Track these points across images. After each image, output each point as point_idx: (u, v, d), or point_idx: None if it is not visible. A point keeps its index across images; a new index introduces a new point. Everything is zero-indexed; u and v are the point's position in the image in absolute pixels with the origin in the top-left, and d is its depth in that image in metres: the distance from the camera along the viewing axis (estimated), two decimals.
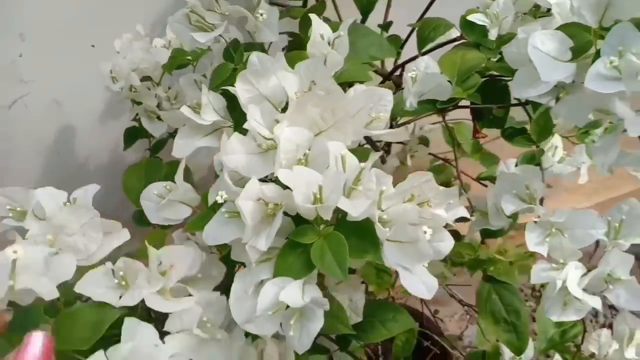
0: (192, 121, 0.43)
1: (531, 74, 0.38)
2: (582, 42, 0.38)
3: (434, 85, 0.47)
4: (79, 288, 0.36)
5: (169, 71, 0.58)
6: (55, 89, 0.71)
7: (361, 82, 0.55)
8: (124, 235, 0.38)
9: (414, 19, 0.66)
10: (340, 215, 0.36)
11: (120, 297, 0.36)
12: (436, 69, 0.48)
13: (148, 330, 0.34)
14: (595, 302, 0.40)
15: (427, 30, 0.60)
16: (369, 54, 0.58)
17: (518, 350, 0.53)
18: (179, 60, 0.56)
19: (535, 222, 0.43)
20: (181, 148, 0.45)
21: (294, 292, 0.33)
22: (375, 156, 0.36)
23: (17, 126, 0.85)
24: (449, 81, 0.48)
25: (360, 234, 0.36)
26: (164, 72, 0.62)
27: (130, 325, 0.34)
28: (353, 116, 0.37)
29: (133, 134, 0.69)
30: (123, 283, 0.37)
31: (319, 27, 0.47)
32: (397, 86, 0.67)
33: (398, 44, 0.66)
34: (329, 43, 0.47)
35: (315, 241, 0.35)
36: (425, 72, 0.48)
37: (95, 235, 0.37)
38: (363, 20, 0.66)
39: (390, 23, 0.71)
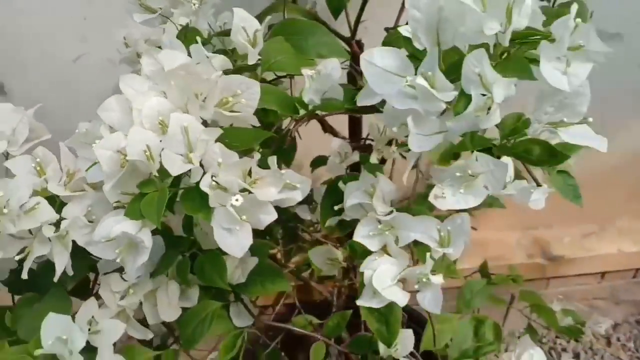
0: None
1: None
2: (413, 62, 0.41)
3: (330, 86, 0.53)
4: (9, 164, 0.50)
5: None
6: (112, 50, 0.81)
7: (291, 74, 0.62)
8: None
9: None
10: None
11: None
12: (337, 72, 0.54)
13: None
14: (396, 297, 0.44)
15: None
16: (317, 51, 0.64)
17: (386, 341, 0.57)
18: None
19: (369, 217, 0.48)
20: None
21: (123, 227, 0.43)
22: (215, 133, 0.43)
23: (80, 79, 1.02)
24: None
25: (193, 196, 0.44)
26: None
27: None
28: (204, 98, 0.44)
29: None
30: (38, 169, 0.50)
31: (241, 19, 0.55)
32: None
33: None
34: (248, 35, 0.55)
35: (150, 193, 0.44)
36: (325, 73, 0.53)
37: None
38: (335, 16, 0.72)
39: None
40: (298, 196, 0.47)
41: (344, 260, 0.61)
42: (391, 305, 0.57)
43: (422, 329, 0.82)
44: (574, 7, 0.35)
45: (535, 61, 0.39)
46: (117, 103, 0.46)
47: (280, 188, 0.45)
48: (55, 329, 0.50)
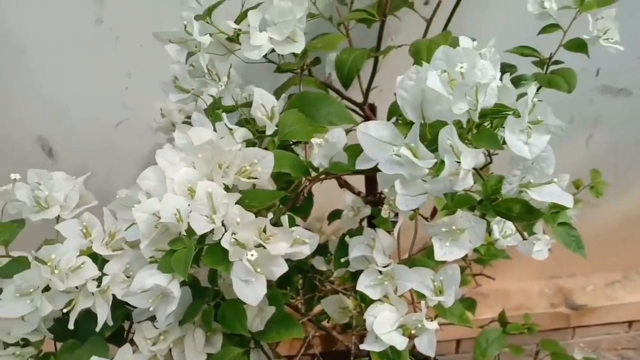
0: None
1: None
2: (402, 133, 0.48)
3: (336, 152, 0.60)
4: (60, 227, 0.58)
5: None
6: (150, 118, 0.89)
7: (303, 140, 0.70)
8: None
9: None
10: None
11: None
12: (342, 140, 0.61)
13: None
14: (395, 342, 0.49)
15: None
16: (328, 120, 0.72)
17: None
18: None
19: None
20: None
21: (156, 279, 0.50)
22: (234, 197, 0.51)
23: (120, 143, 1.13)
24: None
25: (216, 251, 0.52)
26: None
27: None
28: (226, 167, 0.52)
29: None
30: (84, 231, 0.58)
31: (260, 97, 0.64)
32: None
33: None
34: (266, 111, 0.63)
35: (179, 249, 0.51)
36: (332, 142, 0.61)
37: None
38: (345, 88, 0.80)
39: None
40: (307, 250, 0.53)
41: (354, 309, 0.66)
42: (399, 352, 0.62)
43: None
44: (532, 89, 0.42)
45: None
46: (153, 173, 0.54)
47: (290, 243, 0.52)
48: None
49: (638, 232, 1.35)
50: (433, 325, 0.50)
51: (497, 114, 0.45)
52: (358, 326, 1.02)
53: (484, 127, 0.44)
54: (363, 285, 0.53)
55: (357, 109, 0.87)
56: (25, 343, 0.67)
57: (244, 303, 0.62)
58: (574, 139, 1.21)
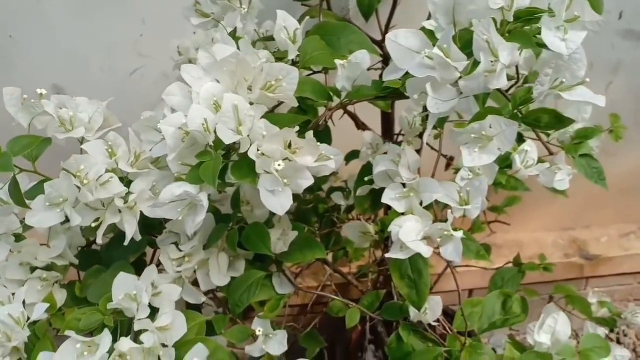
0: None
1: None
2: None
3: (360, 72, 0.59)
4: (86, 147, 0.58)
5: None
6: (165, 64, 0.87)
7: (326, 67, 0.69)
8: None
9: None
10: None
11: None
12: (365, 61, 0.60)
13: None
14: (421, 249, 0.50)
15: None
16: (349, 48, 0.71)
17: (416, 304, 0.62)
18: None
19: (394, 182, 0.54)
20: None
21: (185, 187, 0.50)
22: (260, 110, 0.51)
23: (135, 90, 1.13)
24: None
25: (242, 165, 0.52)
26: None
27: None
28: (250, 82, 0.52)
29: None
30: (110, 151, 0.58)
31: (283, 19, 0.63)
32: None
33: None
34: (289, 33, 0.63)
35: (207, 161, 0.51)
36: (355, 62, 0.60)
37: None
38: (366, 18, 0.79)
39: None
40: (332, 165, 0.53)
41: (375, 233, 0.67)
42: (420, 272, 0.63)
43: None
44: None
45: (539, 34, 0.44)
46: (179, 88, 0.54)
47: (316, 156, 0.52)
48: (125, 285, 0.57)
49: None
50: (458, 233, 0.50)
51: (531, 15, 0.44)
52: (374, 273, 1.04)
53: (519, 27, 0.43)
54: (388, 198, 0.53)
55: (375, 47, 0.86)
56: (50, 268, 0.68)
57: (267, 225, 0.63)
58: (593, 85, 1.19)
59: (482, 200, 0.51)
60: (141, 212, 0.74)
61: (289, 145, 0.52)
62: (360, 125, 0.92)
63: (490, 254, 1.19)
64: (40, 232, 0.68)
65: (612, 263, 1.35)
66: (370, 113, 0.86)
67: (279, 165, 0.49)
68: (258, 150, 0.51)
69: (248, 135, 0.51)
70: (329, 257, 1.05)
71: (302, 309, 1.27)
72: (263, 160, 0.50)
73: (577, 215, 1.40)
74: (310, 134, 0.53)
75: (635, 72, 1.19)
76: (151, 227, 0.72)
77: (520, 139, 0.74)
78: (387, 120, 0.95)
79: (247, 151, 0.51)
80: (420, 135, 0.85)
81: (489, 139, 0.47)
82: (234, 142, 0.53)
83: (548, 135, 0.74)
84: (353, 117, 0.90)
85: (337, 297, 0.73)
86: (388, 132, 0.96)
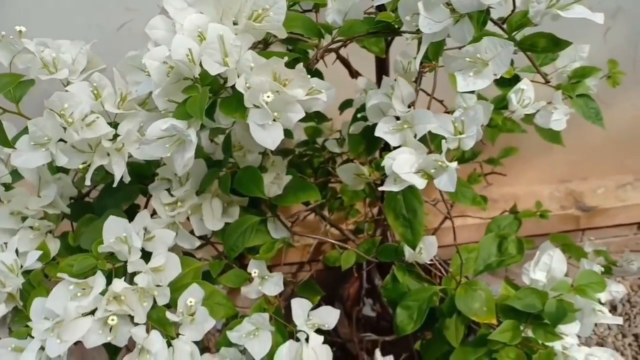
0: None
1: None
2: None
3: (351, 5, 0.57)
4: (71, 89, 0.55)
5: None
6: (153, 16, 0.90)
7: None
8: None
9: None
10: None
11: None
12: None
13: None
14: (415, 181, 0.49)
15: None
16: None
17: (411, 243, 0.61)
18: None
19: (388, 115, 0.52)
20: None
21: (172, 122, 0.49)
22: (247, 40, 0.49)
23: (122, 46, 1.10)
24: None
25: (231, 101, 0.51)
26: None
27: None
28: (236, 13, 0.50)
29: None
30: (95, 92, 0.56)
31: None
32: None
33: None
34: None
35: (193, 95, 0.50)
36: None
37: None
38: None
39: None
40: (324, 98, 0.52)
41: (369, 175, 0.66)
42: (415, 211, 0.62)
43: None
44: None
45: None
46: (162, 21, 0.52)
47: (307, 89, 0.51)
48: (116, 228, 0.57)
49: None
50: (454, 164, 0.49)
51: None
52: (371, 229, 1.03)
53: None
54: (382, 131, 0.52)
55: None
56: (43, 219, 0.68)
57: (261, 171, 0.62)
58: (591, 32, 1.17)
59: (477, 130, 0.50)
60: (133, 162, 0.74)
61: (279, 79, 0.50)
62: (354, 74, 0.90)
63: (487, 207, 1.19)
64: (31, 184, 0.67)
65: (608, 214, 1.35)
66: (364, 61, 0.85)
67: (268, 97, 0.48)
68: (246, 83, 0.49)
69: (235, 69, 0.50)
70: (325, 213, 1.05)
71: (301, 266, 1.28)
72: (252, 92, 0.49)
73: (574, 168, 1.39)
74: (300, 65, 0.51)
75: (635, 17, 1.16)
76: (144, 177, 0.71)
77: (516, 79, 0.73)
78: (382, 66, 0.93)
79: (234, 85, 0.49)
80: (416, 81, 0.83)
81: (484, 64, 0.45)
82: (222, 78, 0.51)
83: (546, 75, 0.72)
84: (347, 64, 0.88)
85: (331, 240, 0.73)
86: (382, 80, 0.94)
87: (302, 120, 0.64)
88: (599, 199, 1.36)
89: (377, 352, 0.96)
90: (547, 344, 0.62)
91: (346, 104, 0.94)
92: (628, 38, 1.18)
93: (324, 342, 0.61)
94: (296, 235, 0.71)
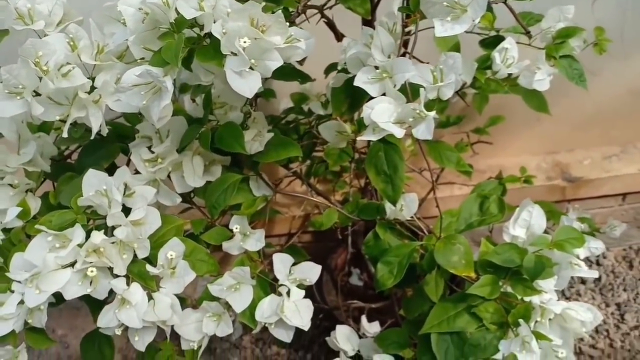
0: None
1: None
2: None
3: None
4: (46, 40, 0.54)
5: None
6: None
7: None
8: None
9: None
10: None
11: None
12: None
13: None
14: (394, 130, 0.49)
15: None
16: None
17: (391, 199, 0.62)
18: None
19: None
20: None
21: (147, 68, 0.48)
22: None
23: None
24: None
25: (207, 49, 0.50)
26: None
27: None
28: None
29: None
30: (72, 44, 0.56)
31: None
32: None
33: None
34: None
35: (169, 41, 0.49)
36: None
37: None
38: None
39: None
40: (303, 46, 0.51)
41: (352, 132, 0.66)
42: (396, 167, 0.62)
43: None
44: None
45: None
46: None
47: (285, 37, 0.50)
48: (95, 182, 0.56)
49: (638, 106, 1.34)
50: (432, 112, 0.49)
51: None
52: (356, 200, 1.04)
53: None
54: (361, 81, 0.52)
55: None
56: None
57: (242, 126, 0.62)
58: (577, 1, 1.16)
59: (456, 78, 0.50)
60: (115, 123, 0.73)
61: (256, 25, 0.50)
62: (340, 36, 0.89)
63: (473, 177, 1.20)
64: (11, 144, 0.66)
65: (593, 185, 1.36)
66: (350, 23, 0.84)
67: (244, 42, 0.47)
68: (222, 29, 0.48)
69: (212, 14, 0.49)
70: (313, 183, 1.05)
71: (290, 238, 1.28)
72: (228, 38, 0.48)
73: (561, 139, 1.40)
74: (279, 11, 0.50)
75: None
76: (125, 137, 0.71)
77: (500, 39, 0.73)
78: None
79: (211, 32, 0.49)
80: (403, 44, 0.83)
81: (463, 10, 0.45)
82: (199, 25, 0.50)
83: (529, 32, 0.72)
84: (332, 27, 0.87)
85: (315, 199, 0.73)
86: None
87: (284, 78, 0.64)
88: (584, 169, 1.36)
89: (364, 319, 0.97)
90: (525, 298, 0.62)
91: (331, 68, 0.93)
92: (617, 7, 1.18)
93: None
94: (279, 193, 0.70)
